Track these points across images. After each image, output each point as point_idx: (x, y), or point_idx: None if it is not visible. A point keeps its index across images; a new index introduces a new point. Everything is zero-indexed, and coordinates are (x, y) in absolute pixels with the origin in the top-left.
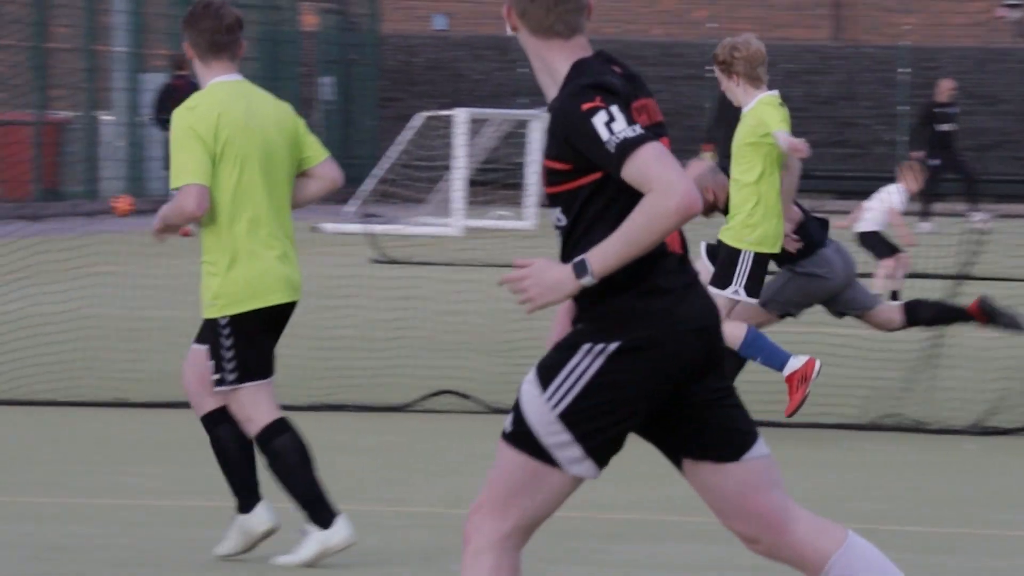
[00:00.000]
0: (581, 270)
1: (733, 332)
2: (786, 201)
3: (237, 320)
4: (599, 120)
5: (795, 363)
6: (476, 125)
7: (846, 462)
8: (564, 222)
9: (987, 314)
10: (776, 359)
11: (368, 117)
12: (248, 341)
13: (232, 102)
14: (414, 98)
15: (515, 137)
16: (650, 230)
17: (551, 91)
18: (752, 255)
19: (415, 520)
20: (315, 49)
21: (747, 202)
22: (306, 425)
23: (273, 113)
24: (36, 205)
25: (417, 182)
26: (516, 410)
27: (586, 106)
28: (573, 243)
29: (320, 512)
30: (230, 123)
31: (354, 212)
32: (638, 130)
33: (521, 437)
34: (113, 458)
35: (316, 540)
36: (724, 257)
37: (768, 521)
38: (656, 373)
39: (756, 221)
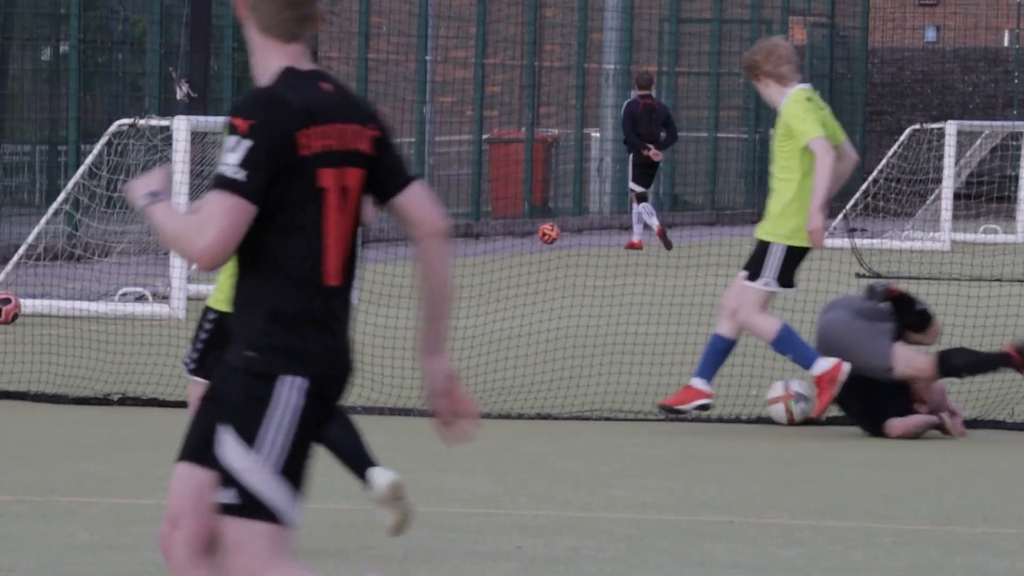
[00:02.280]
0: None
1: (766, 326)
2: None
3: (222, 318)
4: (228, 142)
5: (824, 364)
6: (965, 137)
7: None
8: None
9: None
10: (806, 358)
11: (856, 131)
12: (221, 342)
13: None
14: (902, 111)
15: (1005, 149)
16: (176, 236)
17: (261, 81)
18: (784, 248)
19: (903, 538)
20: (804, 63)
21: (782, 196)
22: (798, 436)
23: None
24: (526, 221)
25: (904, 195)
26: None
27: (235, 122)
28: None
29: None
30: None
31: (840, 226)
32: (240, 177)
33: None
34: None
35: None
36: (756, 250)
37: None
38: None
39: (791, 214)
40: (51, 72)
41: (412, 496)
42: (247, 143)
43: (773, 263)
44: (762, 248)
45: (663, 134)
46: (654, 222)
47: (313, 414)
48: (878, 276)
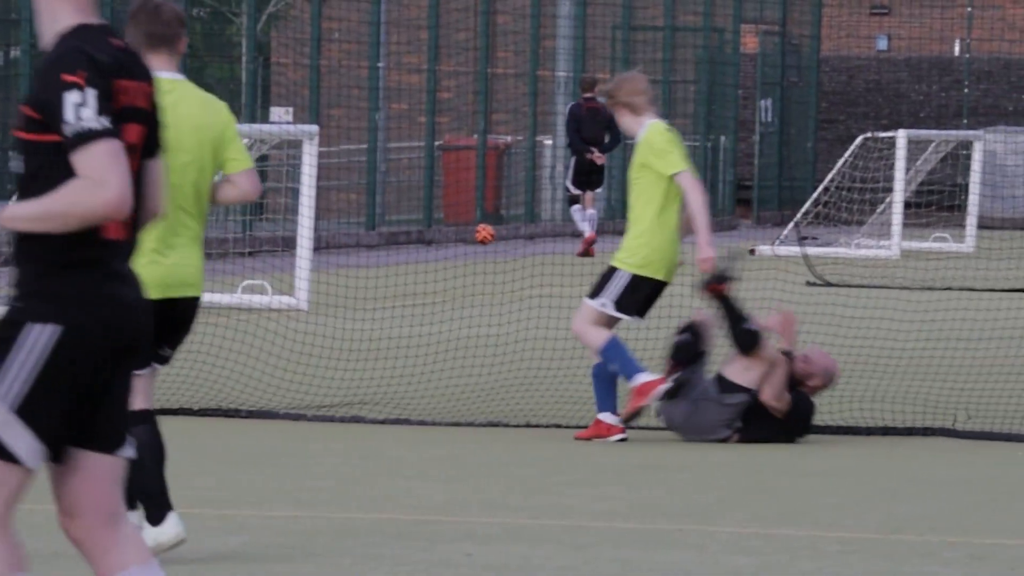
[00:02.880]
0: None
1: (596, 334)
2: (687, 231)
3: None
4: (70, 99)
5: (644, 377)
6: (916, 146)
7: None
8: (22, 171)
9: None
10: (630, 370)
11: (807, 139)
12: None
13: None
14: (853, 120)
15: (956, 158)
16: (68, 212)
17: (48, 39)
18: (629, 276)
19: (849, 547)
20: (755, 71)
21: (636, 227)
22: (750, 444)
23: (197, 113)
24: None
25: (855, 204)
26: None
27: (66, 78)
28: (27, 195)
29: (157, 509)
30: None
31: (791, 234)
32: (104, 123)
33: None
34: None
35: (148, 537)
36: (603, 273)
37: (104, 511)
38: (94, 353)
39: (642, 245)
40: (2, 77)
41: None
42: (92, 91)
43: (614, 287)
44: (608, 272)
45: (607, 138)
46: (586, 228)
47: (71, 364)
48: (828, 284)
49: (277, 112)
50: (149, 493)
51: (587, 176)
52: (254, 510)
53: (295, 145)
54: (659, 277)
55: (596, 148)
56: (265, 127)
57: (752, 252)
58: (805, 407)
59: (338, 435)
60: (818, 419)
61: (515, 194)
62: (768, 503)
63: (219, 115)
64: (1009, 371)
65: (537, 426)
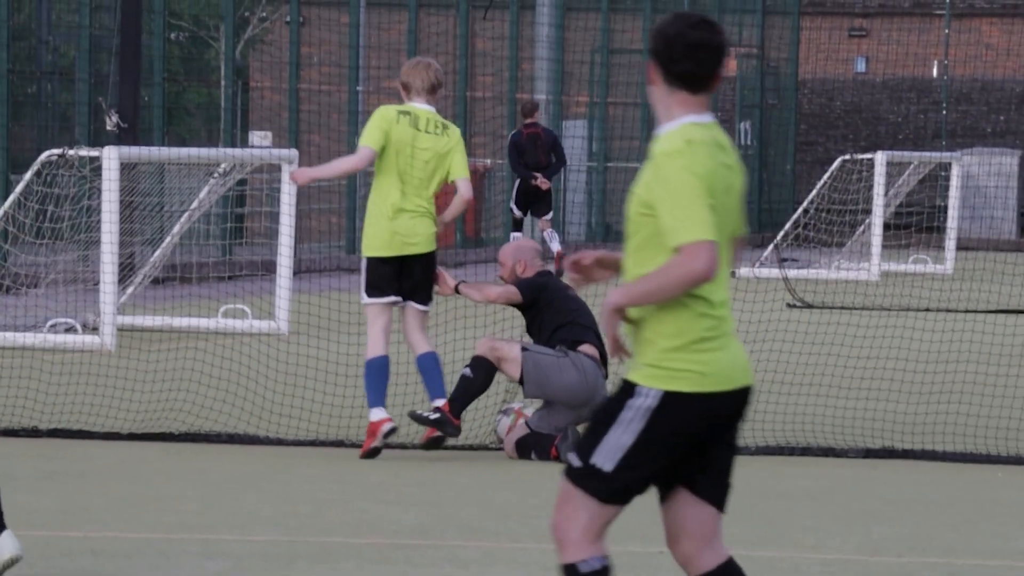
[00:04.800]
0: None
1: (371, 344)
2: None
3: None
4: None
5: (379, 414)
6: (895, 168)
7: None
8: None
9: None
10: (373, 398)
11: (786, 161)
12: None
13: None
14: (832, 141)
15: (934, 180)
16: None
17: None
18: (364, 261)
19: (830, 568)
20: (734, 94)
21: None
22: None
23: None
24: (458, 252)
25: (835, 226)
26: None
27: None
28: None
29: None
30: None
31: (771, 256)
32: None
33: None
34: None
35: None
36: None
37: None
38: None
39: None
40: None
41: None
42: None
43: (361, 279)
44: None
45: (553, 159)
46: (555, 246)
47: None
48: (809, 306)
49: (256, 136)
50: None
51: (535, 201)
52: (236, 535)
53: (274, 169)
54: (382, 254)
55: (540, 174)
56: (244, 151)
57: (732, 274)
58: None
59: (318, 459)
60: (798, 440)
61: (494, 216)
62: (747, 525)
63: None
64: (988, 392)
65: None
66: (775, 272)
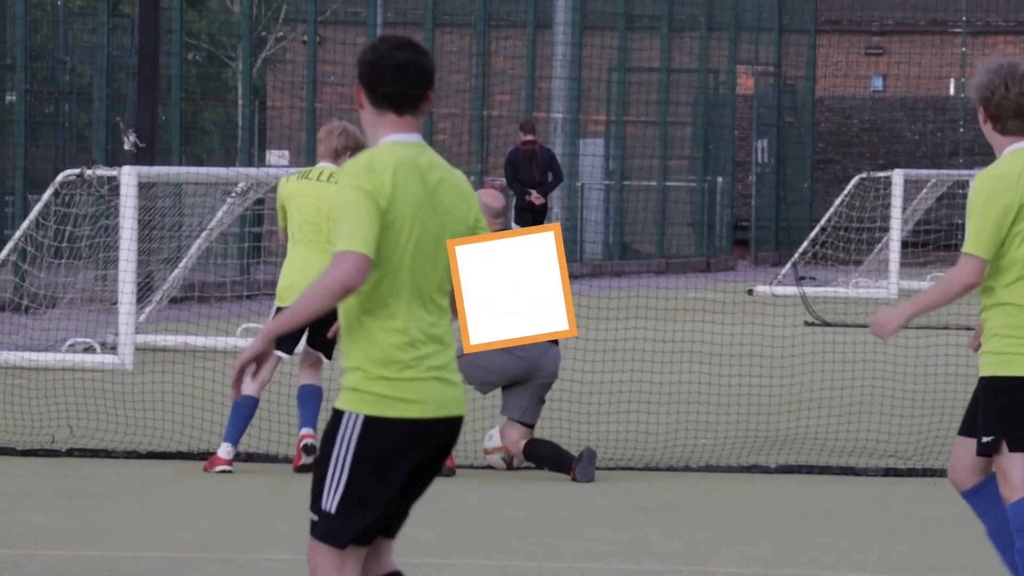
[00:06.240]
0: None
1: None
2: None
3: None
4: None
5: (223, 450)
6: (912, 186)
7: None
8: None
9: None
10: (230, 431)
11: (803, 179)
12: None
13: None
14: (849, 159)
15: (952, 198)
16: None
17: None
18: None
19: None
20: (751, 112)
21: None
22: (747, 484)
23: None
24: None
25: (852, 244)
26: None
27: None
28: None
29: None
30: None
31: (789, 274)
32: None
33: None
34: None
35: None
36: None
37: None
38: None
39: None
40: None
41: None
42: None
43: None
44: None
45: (551, 176)
46: None
47: None
48: (827, 324)
49: (273, 155)
50: None
51: (531, 217)
52: (253, 553)
53: None
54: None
55: (534, 189)
56: (261, 170)
57: (750, 292)
58: None
59: None
60: (817, 459)
61: None
62: (765, 543)
63: None
64: None
65: (531, 468)
66: (793, 290)
